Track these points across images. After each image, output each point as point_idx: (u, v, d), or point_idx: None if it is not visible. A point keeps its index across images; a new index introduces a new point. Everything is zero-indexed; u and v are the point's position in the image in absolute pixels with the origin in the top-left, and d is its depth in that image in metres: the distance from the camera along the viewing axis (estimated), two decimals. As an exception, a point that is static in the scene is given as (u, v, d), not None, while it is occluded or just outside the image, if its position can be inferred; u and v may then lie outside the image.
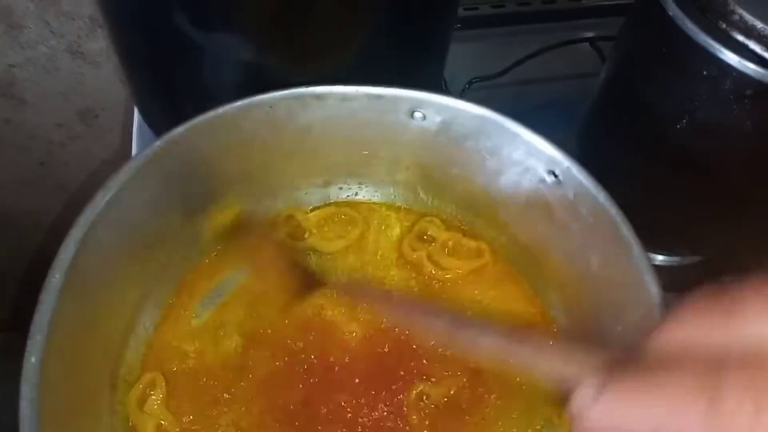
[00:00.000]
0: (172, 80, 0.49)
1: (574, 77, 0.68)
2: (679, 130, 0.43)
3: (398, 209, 0.51)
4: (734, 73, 0.38)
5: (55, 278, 0.33)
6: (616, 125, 0.51)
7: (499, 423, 0.41)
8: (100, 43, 0.69)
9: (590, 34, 0.70)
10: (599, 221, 0.39)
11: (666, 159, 0.46)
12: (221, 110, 0.40)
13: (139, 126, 0.60)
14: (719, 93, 0.39)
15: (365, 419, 0.40)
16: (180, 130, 0.39)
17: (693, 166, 0.45)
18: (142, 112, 0.58)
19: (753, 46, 0.37)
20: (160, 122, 0.55)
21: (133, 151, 0.60)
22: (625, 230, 0.37)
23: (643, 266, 0.36)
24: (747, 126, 0.40)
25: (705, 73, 0.39)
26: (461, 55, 0.57)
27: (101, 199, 0.36)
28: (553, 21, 0.74)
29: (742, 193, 0.46)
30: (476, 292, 0.47)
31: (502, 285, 0.47)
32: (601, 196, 0.38)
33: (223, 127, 0.41)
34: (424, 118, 0.43)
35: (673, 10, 0.40)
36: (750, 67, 0.37)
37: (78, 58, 0.70)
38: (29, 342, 0.31)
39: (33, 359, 0.31)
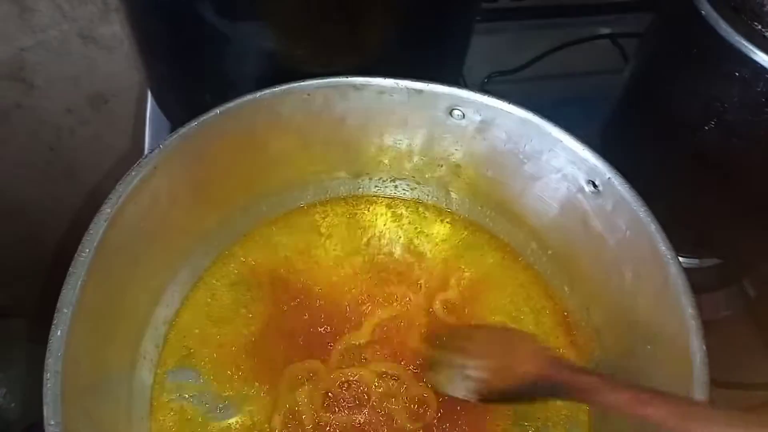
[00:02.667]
0: (192, 69, 0.49)
1: (594, 73, 0.67)
2: (706, 131, 0.42)
3: (426, 207, 0.50)
4: (767, 75, 0.37)
5: (85, 253, 0.33)
6: (642, 124, 0.51)
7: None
8: (112, 28, 0.68)
9: (611, 30, 0.69)
10: (637, 235, 0.38)
11: (691, 160, 0.46)
12: (259, 94, 0.40)
13: (152, 112, 0.59)
14: (750, 95, 0.39)
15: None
16: (216, 111, 0.39)
17: (718, 169, 0.44)
18: (157, 99, 0.58)
19: None
20: (175, 110, 0.55)
21: (146, 139, 0.59)
22: (664, 247, 0.36)
23: (680, 286, 0.35)
24: None
25: (737, 74, 0.39)
26: (480, 48, 0.56)
27: (134, 176, 0.36)
28: (573, 16, 0.73)
29: (766, 196, 0.45)
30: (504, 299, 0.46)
31: (530, 292, 0.47)
32: (641, 211, 0.37)
33: (260, 112, 0.41)
34: (463, 116, 0.43)
35: (706, 9, 0.39)
36: None
37: (90, 42, 0.69)
38: (56, 315, 0.31)
39: (59, 332, 0.31)
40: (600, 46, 0.67)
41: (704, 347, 0.33)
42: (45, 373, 0.30)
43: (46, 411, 0.29)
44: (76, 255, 0.33)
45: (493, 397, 0.37)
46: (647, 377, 0.38)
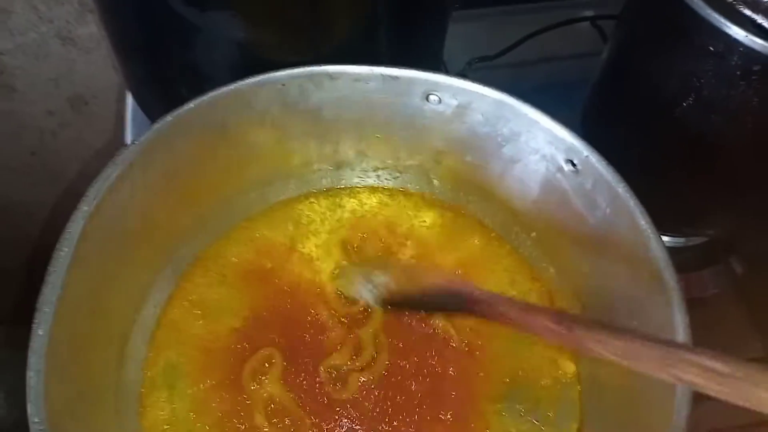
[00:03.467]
0: (166, 63, 0.49)
1: (575, 57, 0.67)
2: (684, 108, 0.42)
3: (410, 195, 0.50)
4: (741, 49, 0.37)
5: (64, 251, 0.33)
6: (620, 104, 0.51)
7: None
8: (90, 29, 0.67)
9: (590, 13, 0.69)
10: (617, 212, 0.38)
11: (671, 138, 0.46)
12: (233, 86, 0.40)
13: (133, 112, 0.59)
14: (725, 69, 0.39)
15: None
16: (190, 105, 0.39)
17: (698, 145, 0.44)
18: (136, 97, 0.57)
19: (760, 20, 0.36)
20: (154, 107, 0.54)
21: (128, 138, 0.59)
22: (644, 222, 0.36)
23: (661, 259, 0.35)
24: (754, 103, 0.39)
25: (711, 48, 0.38)
26: (460, 34, 0.57)
27: (110, 173, 0.36)
28: (552, 0, 0.73)
29: (748, 171, 0.45)
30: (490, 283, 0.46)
31: (515, 276, 0.47)
32: (620, 187, 0.37)
33: (234, 104, 0.41)
34: (440, 101, 0.43)
35: None
36: (757, 42, 0.36)
37: (68, 44, 0.68)
38: (36, 314, 0.31)
39: (40, 331, 0.31)
40: (580, 29, 0.67)
41: (686, 320, 0.33)
42: (28, 371, 0.30)
43: (30, 409, 0.29)
44: (54, 253, 0.33)
45: (395, 300, 0.39)
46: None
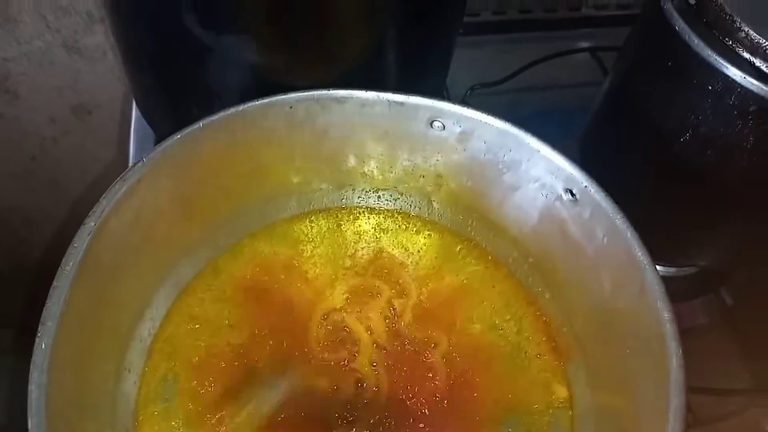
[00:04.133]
0: (175, 79, 0.49)
1: (574, 86, 0.69)
2: (681, 143, 0.43)
3: (409, 217, 0.51)
4: (738, 89, 0.38)
5: (69, 266, 0.33)
6: (618, 135, 0.52)
7: None
8: (96, 39, 0.68)
9: (590, 44, 0.71)
10: (614, 243, 0.39)
11: (667, 171, 0.47)
12: (241, 108, 0.40)
13: (137, 124, 0.60)
14: (723, 108, 0.40)
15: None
16: (199, 125, 0.39)
17: (694, 179, 0.45)
18: (142, 110, 0.58)
19: (758, 63, 0.37)
20: (160, 121, 0.55)
21: (131, 149, 0.59)
22: (640, 253, 0.37)
23: (656, 291, 0.36)
24: (749, 141, 0.40)
25: (710, 87, 0.40)
26: (462, 61, 0.58)
27: (118, 189, 0.36)
28: (553, 29, 0.75)
29: (741, 206, 0.46)
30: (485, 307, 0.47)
31: (511, 299, 0.47)
32: (617, 218, 0.38)
33: (242, 124, 0.41)
34: (443, 128, 0.43)
35: (680, 25, 0.40)
36: (754, 84, 0.37)
37: (74, 53, 0.69)
38: (40, 328, 0.31)
39: (43, 345, 0.31)
40: (580, 59, 0.69)
41: (680, 350, 0.34)
42: (30, 386, 0.30)
43: (31, 423, 0.29)
44: (59, 268, 0.33)
45: None
46: (626, 380, 0.39)
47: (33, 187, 0.85)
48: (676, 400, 0.33)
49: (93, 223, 0.35)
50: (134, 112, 0.60)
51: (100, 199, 0.35)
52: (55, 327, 0.32)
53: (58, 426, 0.31)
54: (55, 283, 0.32)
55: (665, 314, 0.35)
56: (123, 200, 0.36)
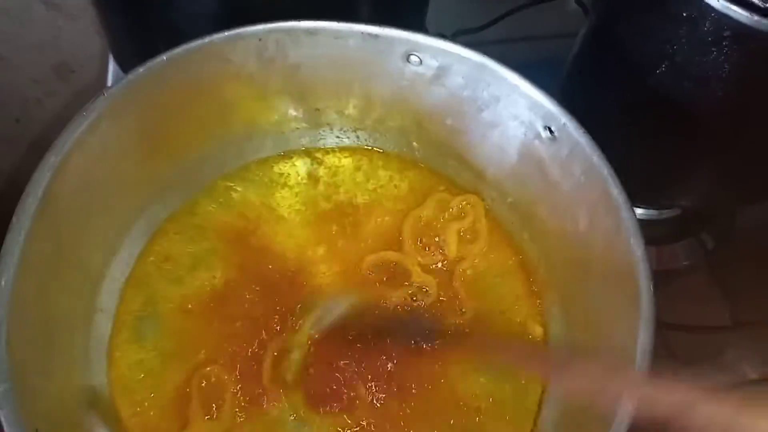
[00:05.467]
0: (146, 19, 0.48)
1: (559, 36, 0.66)
2: (658, 75, 0.42)
3: (389, 157, 0.50)
4: (713, 14, 0.37)
5: (29, 200, 0.32)
6: (597, 73, 0.50)
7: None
8: (76, -6, 0.65)
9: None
10: (591, 181, 0.38)
11: (645, 105, 0.46)
12: (207, 39, 0.39)
13: (115, 77, 0.58)
14: (698, 35, 0.39)
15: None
16: (163, 58, 0.38)
17: (672, 113, 0.44)
18: (117, 59, 0.56)
19: None
20: (132, 64, 0.53)
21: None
22: (616, 191, 0.36)
23: (630, 228, 0.35)
24: (724, 69, 0.39)
25: (684, 14, 0.38)
26: (445, 5, 0.56)
27: (80, 123, 0.35)
28: None
29: (719, 139, 0.45)
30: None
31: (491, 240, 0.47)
32: (595, 155, 0.37)
33: (209, 58, 0.40)
34: (420, 62, 0.42)
35: None
36: (729, 8, 0.36)
37: (53, 9, 0.66)
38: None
39: (2, 282, 0.30)
40: (566, 6, 0.66)
41: (651, 287, 0.34)
42: (-12, 321, 0.29)
43: (-9, 359, 0.29)
44: (19, 204, 0.32)
45: None
46: (600, 317, 0.39)
47: (17, 149, 0.83)
48: (644, 334, 0.33)
49: (54, 158, 0.34)
50: (111, 66, 0.59)
51: (61, 134, 0.34)
52: (15, 263, 0.31)
53: (21, 363, 0.30)
54: (14, 218, 0.32)
55: (638, 252, 0.35)
56: (86, 134, 0.35)
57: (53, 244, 0.35)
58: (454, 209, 0.47)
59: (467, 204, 0.47)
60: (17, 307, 0.31)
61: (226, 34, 0.38)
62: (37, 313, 0.33)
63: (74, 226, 0.37)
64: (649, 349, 0.32)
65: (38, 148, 0.81)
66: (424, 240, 0.46)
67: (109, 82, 0.59)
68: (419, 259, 0.45)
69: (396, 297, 0.44)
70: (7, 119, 0.78)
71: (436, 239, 0.46)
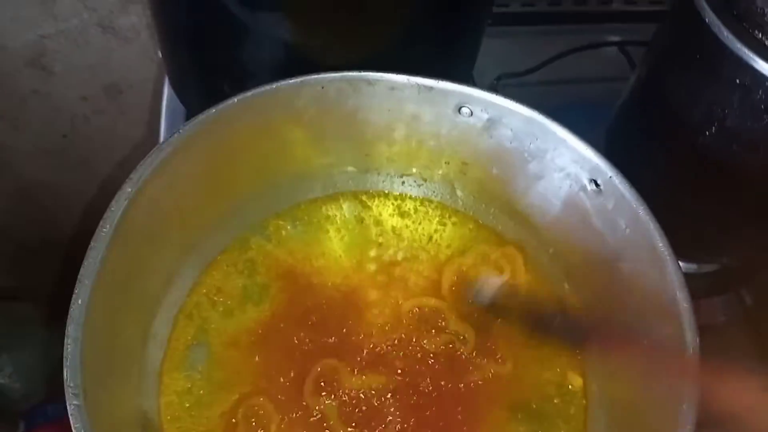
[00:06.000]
0: (210, 56, 0.50)
1: (601, 80, 0.68)
2: (707, 137, 0.43)
3: (433, 203, 0.52)
4: (767, 83, 0.38)
5: (106, 228, 0.34)
6: (644, 127, 0.52)
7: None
8: (131, 19, 0.70)
9: (619, 38, 0.71)
10: (636, 233, 0.39)
11: (692, 165, 0.47)
12: (275, 85, 0.41)
13: (168, 104, 0.61)
14: (750, 102, 0.40)
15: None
16: (234, 100, 0.40)
17: (719, 174, 0.45)
18: (174, 88, 0.59)
19: None
20: (192, 97, 0.56)
21: (162, 129, 0.61)
22: (662, 245, 0.37)
23: (676, 282, 0.36)
24: None
25: (737, 81, 0.40)
26: (490, 51, 0.58)
27: (155, 157, 0.37)
28: (582, 23, 0.75)
29: (765, 203, 0.46)
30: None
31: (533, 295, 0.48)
32: (641, 209, 0.38)
33: (275, 102, 0.42)
34: (471, 114, 0.44)
35: (710, 17, 0.40)
36: None
37: (108, 33, 0.70)
38: (77, 285, 0.33)
39: (79, 301, 0.32)
40: (608, 53, 0.69)
41: (697, 340, 0.34)
42: (66, 339, 0.31)
43: (67, 374, 0.30)
44: (97, 230, 0.34)
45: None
46: (642, 373, 0.39)
47: (63, 164, 0.87)
48: (689, 393, 0.33)
49: (130, 189, 0.36)
50: (166, 91, 0.62)
51: (137, 166, 0.37)
52: (91, 285, 0.33)
53: (90, 380, 0.32)
54: (92, 243, 0.34)
55: (684, 305, 0.35)
56: (159, 169, 0.37)
57: (123, 271, 0.36)
58: (494, 262, 0.48)
59: (506, 258, 0.48)
60: (89, 327, 0.32)
61: (292, 81, 0.41)
62: (104, 334, 0.35)
63: (140, 255, 0.39)
64: (693, 408, 0.33)
65: (82, 164, 0.85)
66: (463, 289, 0.47)
67: (164, 107, 0.62)
68: (458, 306, 0.46)
69: (434, 343, 0.44)
70: (55, 134, 0.82)
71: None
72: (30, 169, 0.86)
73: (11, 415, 0.80)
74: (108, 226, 0.35)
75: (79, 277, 0.33)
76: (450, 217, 0.51)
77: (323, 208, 0.51)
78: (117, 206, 0.35)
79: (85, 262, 0.33)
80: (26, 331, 0.81)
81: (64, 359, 0.30)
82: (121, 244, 0.36)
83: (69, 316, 0.31)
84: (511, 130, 0.44)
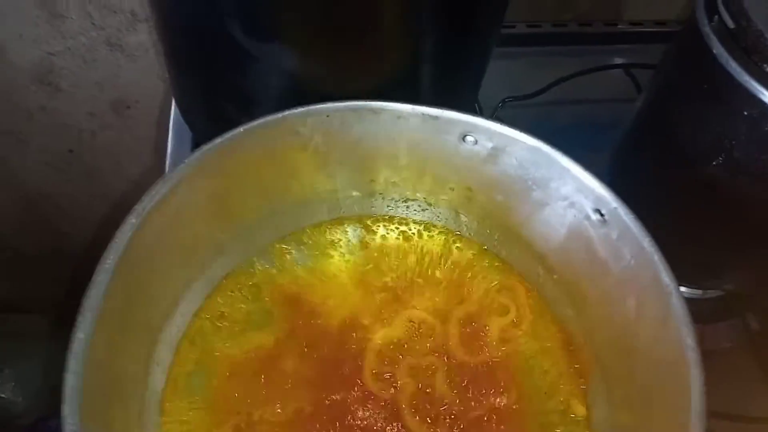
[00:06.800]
0: (216, 83, 0.51)
1: (607, 101, 0.68)
2: (713, 167, 0.43)
3: (437, 228, 0.51)
4: None
5: (109, 261, 0.34)
6: (650, 154, 0.51)
7: None
8: (139, 37, 0.70)
9: (624, 60, 0.71)
10: (641, 266, 0.39)
11: (698, 193, 0.47)
12: (281, 115, 0.41)
13: (175, 121, 0.61)
14: (758, 134, 0.40)
15: None
16: (240, 130, 0.40)
17: (724, 204, 0.45)
18: (180, 109, 0.59)
19: None
20: (198, 120, 0.57)
21: (168, 146, 0.61)
22: (667, 279, 0.37)
23: (681, 317, 0.36)
24: None
25: (745, 113, 0.40)
26: (495, 72, 0.58)
27: (160, 188, 0.37)
28: (588, 44, 0.75)
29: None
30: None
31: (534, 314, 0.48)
32: (645, 241, 0.38)
33: (281, 131, 0.42)
34: (476, 143, 0.44)
35: (717, 49, 0.40)
36: None
37: (116, 50, 0.71)
38: (79, 318, 0.32)
39: (81, 335, 0.32)
40: (613, 75, 0.69)
41: (702, 379, 0.34)
42: (65, 373, 0.31)
43: (65, 409, 0.30)
44: (100, 262, 0.34)
45: None
46: (646, 402, 0.39)
47: (69, 178, 0.87)
48: (695, 423, 0.33)
49: (134, 220, 0.36)
50: (173, 110, 0.62)
51: (143, 198, 0.37)
52: (93, 319, 0.33)
53: (89, 414, 0.32)
54: (95, 276, 0.34)
55: (689, 341, 0.35)
56: (164, 200, 0.37)
57: (125, 301, 0.36)
58: (496, 304, 0.48)
59: (510, 296, 0.48)
60: (90, 359, 0.32)
61: (299, 110, 0.41)
62: (105, 366, 0.35)
63: (143, 283, 0.39)
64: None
65: (88, 178, 0.85)
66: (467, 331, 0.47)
67: (171, 123, 0.62)
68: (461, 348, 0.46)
69: (439, 371, 0.44)
70: (61, 149, 0.83)
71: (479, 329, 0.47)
72: (36, 183, 0.86)
73: (14, 429, 0.80)
74: (111, 258, 0.35)
75: (80, 310, 0.33)
76: (455, 241, 0.51)
77: (327, 233, 0.51)
78: (121, 238, 0.35)
79: (88, 295, 0.33)
80: (29, 344, 0.81)
81: (63, 393, 0.30)
82: (124, 275, 0.36)
83: (69, 351, 0.31)
84: (516, 158, 0.44)
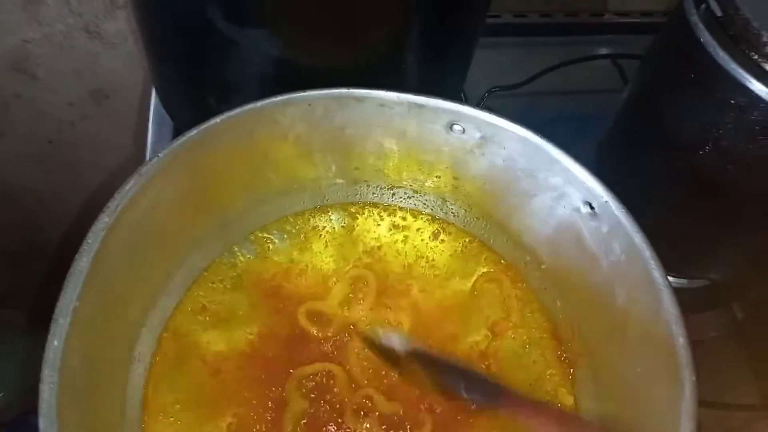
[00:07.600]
0: (196, 71, 0.49)
1: (593, 92, 0.68)
2: (701, 155, 0.43)
3: (423, 216, 0.50)
4: (762, 105, 0.37)
5: (82, 263, 0.33)
6: (637, 143, 0.51)
7: None
8: (117, 25, 0.67)
9: (611, 51, 0.70)
10: (631, 260, 0.38)
11: (684, 182, 0.46)
12: (260, 104, 0.40)
13: (156, 108, 0.60)
14: (745, 122, 0.39)
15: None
16: (217, 120, 0.38)
17: (711, 192, 0.44)
18: (160, 98, 0.57)
19: None
20: (178, 109, 0.55)
21: (149, 135, 0.59)
22: (658, 275, 0.37)
23: (671, 314, 0.35)
24: None
25: (732, 102, 0.39)
26: (481, 62, 0.57)
27: (134, 184, 0.36)
28: (574, 34, 0.74)
29: (757, 221, 0.45)
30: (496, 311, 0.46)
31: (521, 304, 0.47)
32: (637, 236, 0.37)
33: (260, 120, 0.41)
34: (463, 131, 0.43)
35: (705, 37, 0.40)
36: None
37: (95, 38, 0.68)
38: (52, 325, 0.31)
39: (55, 342, 0.31)
40: (600, 65, 0.68)
41: (694, 377, 0.34)
42: (41, 384, 0.30)
43: (42, 422, 0.29)
44: (72, 264, 0.33)
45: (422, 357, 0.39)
46: (635, 394, 0.39)
47: (48, 169, 0.85)
48: (687, 427, 0.33)
49: (107, 219, 0.34)
50: (153, 98, 0.60)
51: (115, 195, 0.35)
52: (67, 324, 0.32)
53: (69, 421, 0.31)
54: (67, 280, 0.32)
55: (680, 339, 0.35)
56: (138, 195, 0.36)
57: (101, 301, 0.35)
58: (484, 293, 0.48)
59: (497, 287, 0.48)
60: (67, 367, 0.31)
61: (278, 98, 0.39)
62: (84, 369, 0.34)
63: (120, 281, 0.37)
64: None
65: (68, 169, 0.83)
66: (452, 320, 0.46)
67: (151, 112, 0.60)
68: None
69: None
70: (41, 140, 0.80)
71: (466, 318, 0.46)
72: (15, 175, 0.84)
73: (-4, 424, 0.79)
74: (84, 259, 0.33)
75: (54, 316, 0.31)
76: (442, 230, 0.50)
77: (311, 220, 0.50)
78: (93, 238, 0.34)
79: (60, 300, 0.32)
80: (8, 339, 0.80)
81: (39, 406, 0.29)
82: (98, 276, 0.34)
83: (44, 360, 0.30)
84: (504, 148, 0.42)
